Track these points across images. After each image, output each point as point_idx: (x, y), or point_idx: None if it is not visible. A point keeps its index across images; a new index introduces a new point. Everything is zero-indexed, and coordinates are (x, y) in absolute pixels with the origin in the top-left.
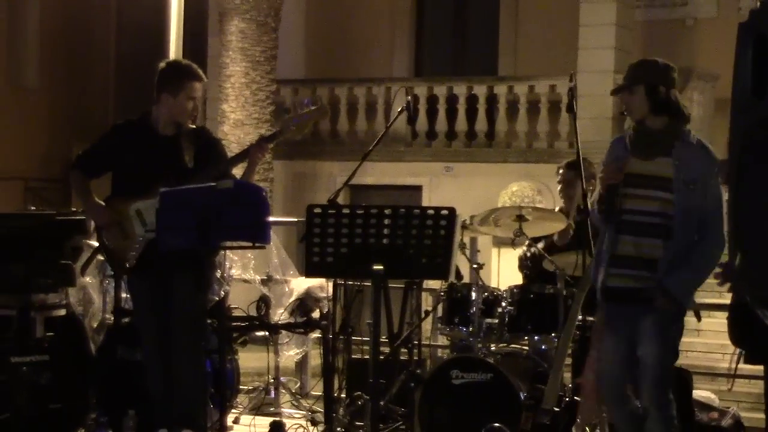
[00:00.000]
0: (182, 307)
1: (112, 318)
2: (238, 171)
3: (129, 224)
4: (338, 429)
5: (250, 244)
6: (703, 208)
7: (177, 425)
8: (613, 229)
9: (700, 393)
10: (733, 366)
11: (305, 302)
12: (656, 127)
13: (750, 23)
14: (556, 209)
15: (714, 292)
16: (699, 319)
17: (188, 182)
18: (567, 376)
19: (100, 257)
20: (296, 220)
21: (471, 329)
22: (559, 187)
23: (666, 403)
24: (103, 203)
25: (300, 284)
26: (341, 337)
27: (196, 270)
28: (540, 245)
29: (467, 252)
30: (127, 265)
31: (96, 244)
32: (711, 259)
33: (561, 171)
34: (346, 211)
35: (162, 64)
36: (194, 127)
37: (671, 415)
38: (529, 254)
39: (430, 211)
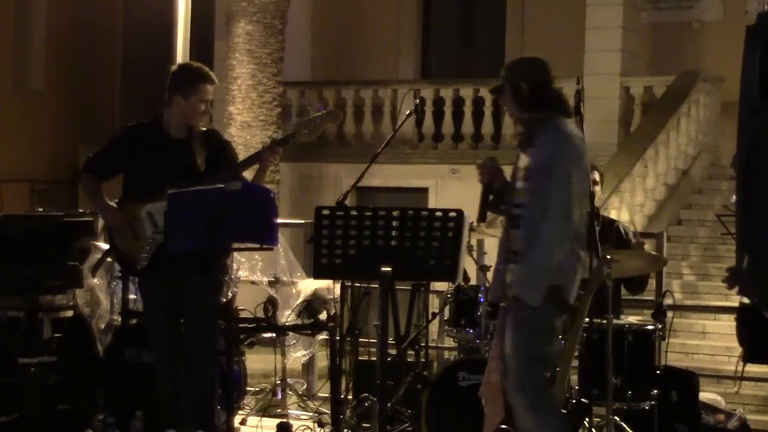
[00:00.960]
0: (195, 309)
1: (120, 319)
2: (248, 174)
3: (140, 226)
4: (345, 430)
5: (258, 246)
6: (547, 197)
7: (188, 426)
8: (506, 225)
9: (706, 395)
10: (740, 369)
11: (312, 304)
12: (525, 122)
13: (758, 27)
14: None
15: (720, 295)
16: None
17: (199, 185)
18: (574, 378)
19: (108, 259)
20: (303, 221)
21: (478, 331)
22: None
23: (530, 405)
24: (114, 205)
25: (307, 286)
26: (348, 338)
27: (208, 272)
28: None
29: (474, 254)
30: (138, 267)
31: (104, 245)
32: (543, 251)
33: None
34: (354, 213)
35: (174, 67)
36: (205, 129)
37: (538, 422)
38: None
39: (438, 213)
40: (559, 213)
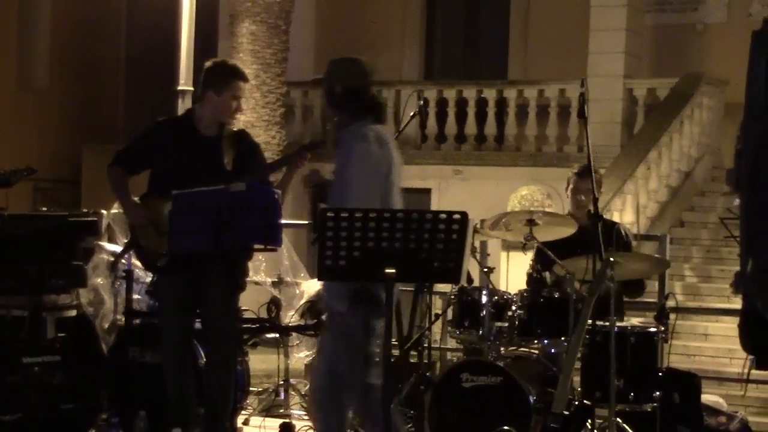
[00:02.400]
0: (216, 310)
1: (123, 319)
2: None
3: (163, 224)
4: (348, 431)
5: (262, 247)
6: (342, 202)
7: (196, 426)
8: None
9: (708, 397)
10: (745, 371)
11: (316, 304)
12: (334, 123)
13: (763, 31)
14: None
15: (722, 297)
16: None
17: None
18: (577, 380)
19: (110, 258)
20: (307, 222)
21: (481, 333)
22: (575, 196)
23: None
24: (138, 201)
25: (310, 286)
26: None
27: (229, 272)
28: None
29: (477, 256)
30: (159, 264)
31: (108, 245)
32: None
33: (576, 179)
34: (359, 214)
35: (208, 63)
36: (236, 130)
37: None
38: (536, 274)
39: (443, 216)
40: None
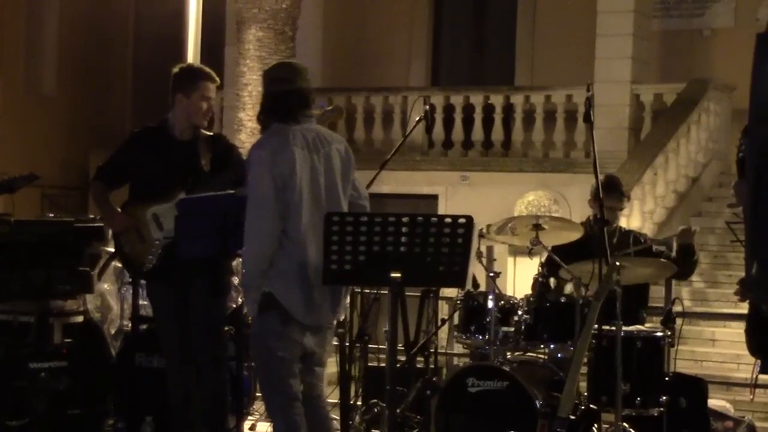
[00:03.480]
0: (202, 312)
1: (130, 325)
2: None
3: (146, 229)
4: None
5: None
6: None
7: (200, 431)
8: None
9: (715, 402)
10: (753, 376)
11: None
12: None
13: None
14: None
15: (730, 302)
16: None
17: (205, 187)
18: (583, 384)
19: (118, 264)
20: None
21: (487, 337)
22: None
23: (268, 407)
24: (118, 210)
25: None
26: (358, 344)
27: (212, 275)
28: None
29: (483, 260)
30: (144, 270)
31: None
32: (245, 261)
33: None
34: (364, 218)
35: (175, 69)
36: (211, 134)
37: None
38: (540, 279)
39: (448, 219)
40: (249, 226)
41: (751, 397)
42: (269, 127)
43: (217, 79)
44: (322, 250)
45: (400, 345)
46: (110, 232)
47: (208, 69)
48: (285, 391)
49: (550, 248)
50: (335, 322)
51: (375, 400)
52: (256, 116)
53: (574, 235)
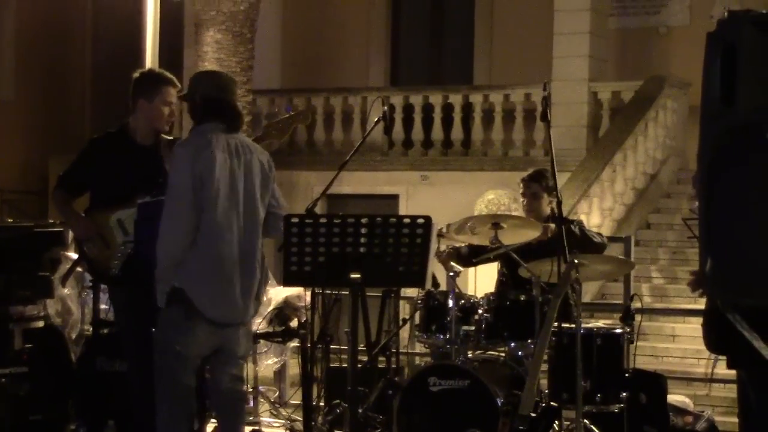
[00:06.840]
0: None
1: (91, 329)
2: None
3: (110, 234)
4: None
5: None
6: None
7: None
8: None
9: (674, 397)
10: (710, 371)
11: (283, 311)
12: None
13: (718, 33)
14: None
15: (689, 298)
16: None
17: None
18: (543, 382)
19: (79, 269)
20: None
21: (448, 336)
22: (523, 201)
23: (158, 397)
24: (82, 215)
25: (278, 293)
26: (319, 345)
27: None
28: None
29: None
30: (110, 275)
31: (74, 255)
32: (158, 255)
33: (523, 185)
34: (323, 220)
35: (136, 74)
36: (171, 137)
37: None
38: (501, 278)
39: (407, 220)
40: (165, 218)
41: (707, 392)
42: (197, 128)
43: (179, 84)
44: (236, 247)
45: (362, 345)
46: (71, 236)
47: (169, 74)
48: (175, 384)
49: (506, 247)
50: (252, 318)
51: (337, 401)
52: (192, 119)
53: (533, 233)
